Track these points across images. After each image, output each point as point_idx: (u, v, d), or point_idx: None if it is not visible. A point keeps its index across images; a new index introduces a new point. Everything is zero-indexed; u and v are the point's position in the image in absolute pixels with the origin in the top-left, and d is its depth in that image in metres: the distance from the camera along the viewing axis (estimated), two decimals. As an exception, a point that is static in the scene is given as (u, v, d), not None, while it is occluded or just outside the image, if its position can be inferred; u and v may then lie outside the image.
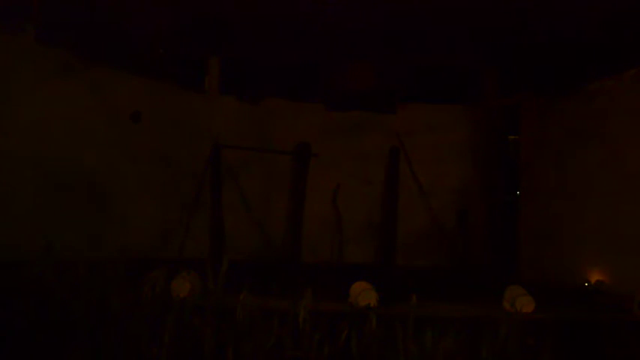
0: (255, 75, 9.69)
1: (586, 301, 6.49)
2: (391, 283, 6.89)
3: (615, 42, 7.36)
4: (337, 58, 9.46)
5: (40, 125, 6.88)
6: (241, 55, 9.41)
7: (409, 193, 9.67)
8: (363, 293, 5.42)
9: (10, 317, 3.96)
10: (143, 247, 7.82)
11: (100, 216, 7.56)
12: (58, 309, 4.02)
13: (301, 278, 6.24)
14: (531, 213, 8.68)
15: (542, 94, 8.61)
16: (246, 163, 9.39)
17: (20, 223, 6.42)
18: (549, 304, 5.60)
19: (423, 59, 9.39)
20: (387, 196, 9.76)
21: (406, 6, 7.11)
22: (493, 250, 9.26)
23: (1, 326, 3.89)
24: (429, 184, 9.68)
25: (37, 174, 6.77)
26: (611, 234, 7.10)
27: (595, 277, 7.28)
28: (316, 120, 9.75)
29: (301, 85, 9.76)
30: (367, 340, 3.78)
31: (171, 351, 3.58)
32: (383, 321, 3.89)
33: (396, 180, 9.71)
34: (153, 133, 8.40)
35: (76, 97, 7.35)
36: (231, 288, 4.05)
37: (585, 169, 7.59)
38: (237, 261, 5.01)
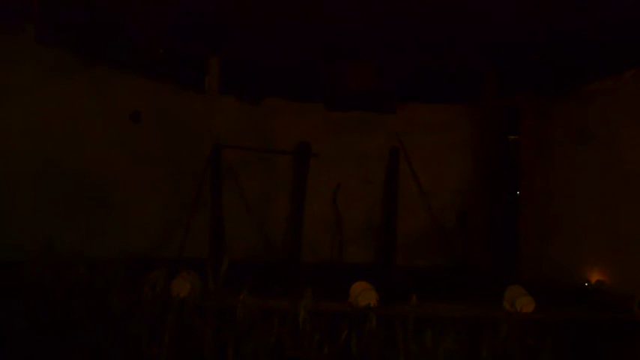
0: (255, 75, 9.69)
1: (586, 301, 6.50)
2: (391, 283, 6.90)
3: (615, 42, 7.36)
4: (337, 58, 9.45)
5: (40, 125, 6.87)
6: (241, 55, 9.41)
7: (409, 193, 9.67)
8: (363, 293, 5.42)
9: (10, 317, 3.95)
10: (143, 247, 7.82)
11: (100, 216, 7.56)
12: (58, 309, 4.02)
13: (301, 278, 6.24)
14: (531, 213, 8.68)
15: (542, 94, 8.60)
16: (246, 163, 9.39)
17: (20, 223, 6.42)
18: (549, 304, 5.60)
19: (423, 59, 9.39)
20: (387, 196, 9.76)
21: (406, 6, 7.11)
22: (493, 250, 9.26)
23: (1, 326, 3.89)
24: (429, 184, 9.68)
25: (37, 174, 6.77)
26: (611, 234, 7.10)
27: (595, 277, 7.28)
28: (316, 120, 9.75)
29: (301, 85, 9.76)
30: (367, 340, 3.78)
31: (171, 351, 3.57)
32: (383, 321, 3.88)
33: (396, 180, 9.71)
34: (153, 133, 8.41)
35: (76, 97, 7.35)
36: (231, 288, 4.05)
37: (585, 169, 7.59)
38: (237, 261, 5.01)
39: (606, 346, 4.52)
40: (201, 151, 8.98)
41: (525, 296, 5.51)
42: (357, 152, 9.69)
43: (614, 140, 7.18)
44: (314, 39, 8.60)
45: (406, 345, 3.60)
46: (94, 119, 7.58)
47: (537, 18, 7.33)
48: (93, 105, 7.58)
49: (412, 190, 9.69)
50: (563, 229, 7.95)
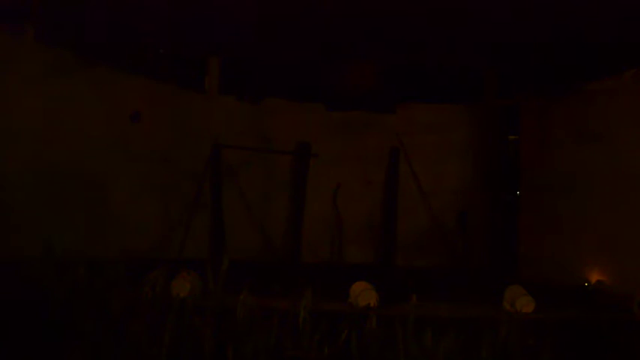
0: (255, 75, 9.69)
1: (586, 301, 6.49)
2: (391, 283, 6.89)
3: (615, 42, 7.36)
4: (337, 58, 9.45)
5: (39, 125, 6.88)
6: (241, 55, 9.41)
7: (409, 193, 9.67)
8: (363, 293, 5.43)
9: (10, 317, 3.95)
10: (143, 247, 7.82)
11: (100, 216, 7.56)
12: (58, 309, 4.02)
13: (301, 278, 6.23)
14: (531, 213, 8.68)
15: (542, 94, 8.61)
16: (246, 163, 9.39)
17: (20, 223, 6.42)
18: (549, 304, 5.61)
19: (423, 59, 9.38)
20: (387, 196, 9.76)
21: (406, 6, 7.10)
22: (493, 250, 9.27)
23: (1, 326, 3.89)
24: (429, 184, 9.68)
25: (37, 174, 6.77)
26: (611, 234, 7.10)
27: (595, 277, 7.28)
28: (316, 120, 9.74)
29: (301, 85, 9.76)
30: (367, 340, 3.78)
31: (171, 351, 3.57)
32: (383, 321, 3.89)
33: (396, 180, 9.71)
34: (153, 133, 8.41)
35: (76, 97, 7.34)
36: (231, 288, 4.06)
37: (585, 169, 7.59)
38: (237, 261, 5.01)
39: (606, 346, 4.52)
40: (201, 151, 8.97)
41: (525, 296, 5.52)
42: (357, 152, 9.69)
43: (614, 140, 7.18)
44: (314, 39, 8.60)
45: (406, 345, 3.60)
46: (93, 119, 7.58)
47: (537, 18, 7.33)
48: (93, 105, 7.57)
49: (412, 190, 9.69)
50: (563, 229, 7.95)
